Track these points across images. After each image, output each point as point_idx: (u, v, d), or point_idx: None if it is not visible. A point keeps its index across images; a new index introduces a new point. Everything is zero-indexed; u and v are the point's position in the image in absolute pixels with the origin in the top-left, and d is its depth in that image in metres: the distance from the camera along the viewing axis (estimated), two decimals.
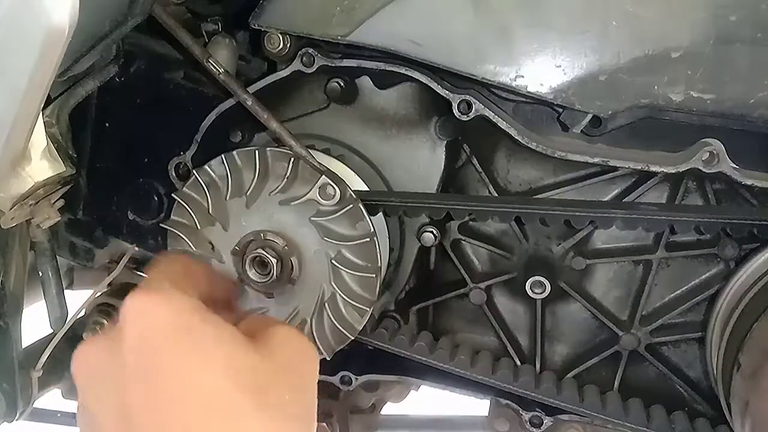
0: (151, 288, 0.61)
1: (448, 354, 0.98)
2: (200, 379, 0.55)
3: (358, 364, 1.04)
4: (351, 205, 0.86)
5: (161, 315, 0.56)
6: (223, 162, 0.88)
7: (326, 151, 0.96)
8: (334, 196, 0.86)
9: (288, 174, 0.86)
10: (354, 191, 0.87)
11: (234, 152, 0.88)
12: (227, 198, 0.89)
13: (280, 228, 0.88)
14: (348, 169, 0.96)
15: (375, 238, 0.87)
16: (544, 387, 0.97)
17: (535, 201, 0.98)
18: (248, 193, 0.88)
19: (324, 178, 0.86)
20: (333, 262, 0.87)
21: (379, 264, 0.88)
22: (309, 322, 0.90)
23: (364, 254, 0.87)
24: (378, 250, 0.88)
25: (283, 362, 0.61)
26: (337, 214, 0.86)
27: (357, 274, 0.87)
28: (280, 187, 0.87)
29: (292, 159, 0.86)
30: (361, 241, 0.87)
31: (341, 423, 1.15)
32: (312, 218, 0.87)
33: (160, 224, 0.95)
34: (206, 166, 0.89)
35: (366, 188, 0.96)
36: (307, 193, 0.86)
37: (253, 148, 0.88)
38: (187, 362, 0.55)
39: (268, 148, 0.88)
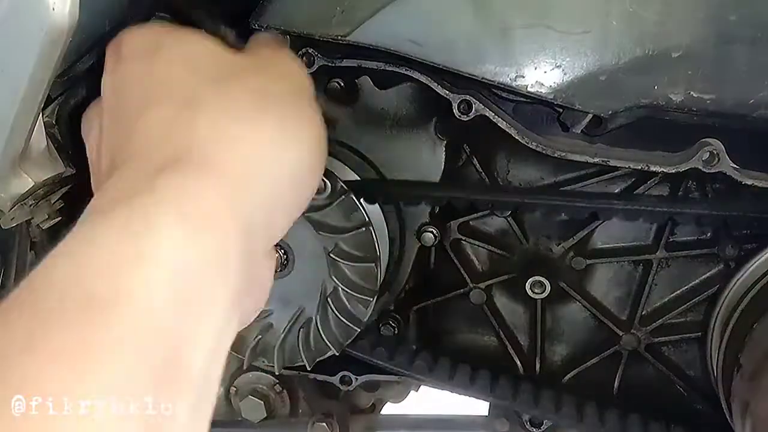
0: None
1: (447, 374, 0.98)
2: (159, 75, 0.56)
3: (358, 364, 1.04)
4: (343, 197, 0.86)
5: (135, 38, 0.60)
6: None
7: None
8: (325, 189, 0.85)
9: None
10: (345, 182, 0.87)
11: None
12: None
13: None
14: (338, 161, 0.95)
15: (371, 228, 0.87)
16: (543, 405, 0.96)
17: (535, 191, 0.98)
18: None
19: None
20: (331, 255, 0.87)
21: (378, 253, 0.88)
22: (314, 319, 0.90)
23: (361, 245, 0.87)
24: (375, 239, 0.87)
25: (256, 59, 0.62)
26: (330, 206, 0.86)
27: (356, 265, 0.87)
28: None
29: None
30: (357, 231, 0.86)
31: (341, 423, 1.15)
32: (305, 213, 0.86)
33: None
34: None
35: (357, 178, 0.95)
36: None
37: None
38: (150, 67, 0.57)
39: None
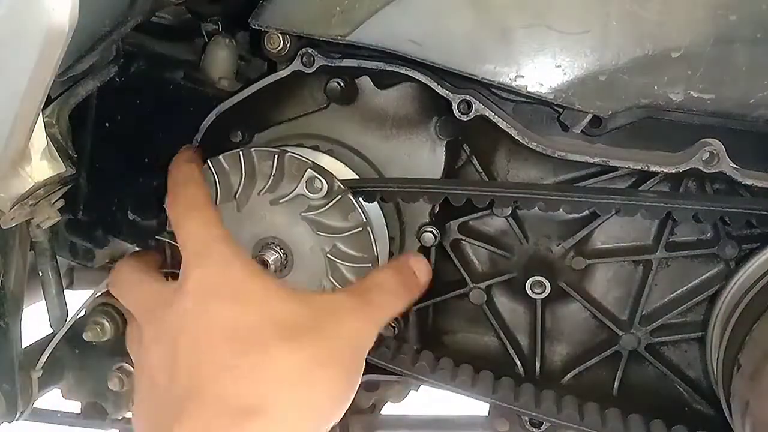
0: (208, 250, 0.74)
1: (449, 375, 0.98)
2: (239, 322, 0.68)
3: None
4: (340, 196, 0.86)
5: (217, 272, 0.71)
6: (209, 168, 0.88)
7: (315, 148, 0.96)
8: (321, 188, 0.85)
9: (274, 172, 0.86)
10: (342, 181, 0.87)
11: (219, 156, 0.88)
12: (217, 204, 0.88)
13: (274, 229, 0.87)
14: (338, 162, 0.95)
15: (368, 228, 0.87)
16: (545, 406, 0.96)
17: (534, 186, 0.98)
18: (237, 197, 0.87)
19: (310, 172, 0.85)
20: (329, 256, 0.87)
21: (376, 253, 0.88)
22: None
23: (358, 245, 0.87)
24: (372, 239, 0.87)
25: (323, 315, 0.72)
26: (327, 206, 0.86)
27: (354, 265, 0.87)
28: (267, 186, 0.86)
29: (277, 156, 0.86)
30: (354, 231, 0.86)
31: (341, 423, 1.15)
32: (303, 213, 0.86)
33: (156, 237, 0.96)
34: None
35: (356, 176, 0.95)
36: (295, 188, 0.86)
37: (238, 150, 0.87)
38: (231, 310, 0.68)
39: (252, 148, 0.87)
